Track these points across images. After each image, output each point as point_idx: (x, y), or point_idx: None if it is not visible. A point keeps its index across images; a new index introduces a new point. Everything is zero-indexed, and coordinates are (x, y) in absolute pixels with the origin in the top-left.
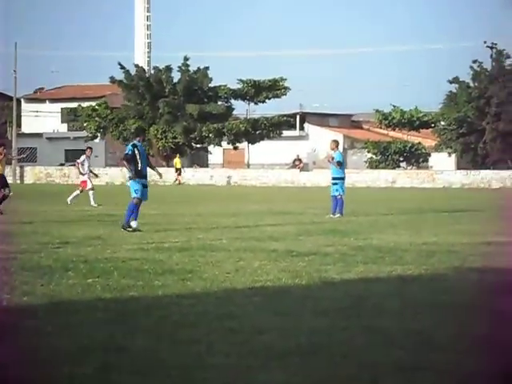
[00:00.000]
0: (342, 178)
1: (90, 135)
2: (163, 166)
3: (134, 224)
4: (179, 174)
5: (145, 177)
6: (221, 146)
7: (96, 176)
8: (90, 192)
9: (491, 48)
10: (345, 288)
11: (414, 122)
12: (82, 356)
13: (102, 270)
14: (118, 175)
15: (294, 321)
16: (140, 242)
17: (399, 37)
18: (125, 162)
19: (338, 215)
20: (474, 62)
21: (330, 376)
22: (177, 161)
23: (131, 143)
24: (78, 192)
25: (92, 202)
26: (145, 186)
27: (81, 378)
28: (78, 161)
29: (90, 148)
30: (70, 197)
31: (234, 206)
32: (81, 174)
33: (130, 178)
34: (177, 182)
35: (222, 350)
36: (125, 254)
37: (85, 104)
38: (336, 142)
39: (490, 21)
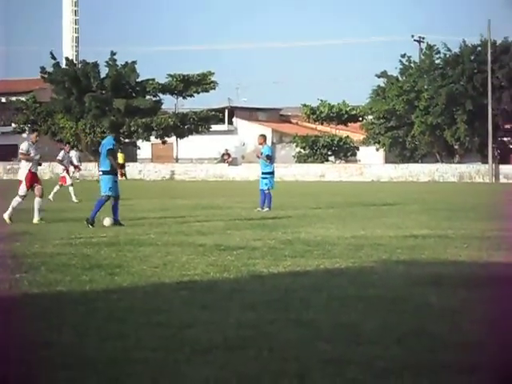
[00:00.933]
0: (271, 173)
1: (18, 129)
2: (91, 161)
3: (106, 222)
4: (122, 169)
5: (116, 173)
6: (149, 140)
7: (79, 169)
8: (70, 188)
9: (419, 42)
10: (272, 281)
11: (342, 116)
12: (9, 352)
13: (30, 265)
14: (47, 170)
15: (222, 315)
16: (68, 237)
17: (327, 31)
18: (110, 157)
19: (267, 209)
20: (403, 56)
21: (256, 370)
22: (120, 155)
23: (111, 137)
24: (57, 187)
25: (73, 198)
26: (116, 182)
27: (7, 375)
28: (58, 158)
29: (68, 143)
30: (52, 193)
31: (163, 201)
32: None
33: (104, 173)
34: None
35: (149, 344)
36: (53, 249)
37: (13, 98)
38: (264, 137)
39: (419, 15)
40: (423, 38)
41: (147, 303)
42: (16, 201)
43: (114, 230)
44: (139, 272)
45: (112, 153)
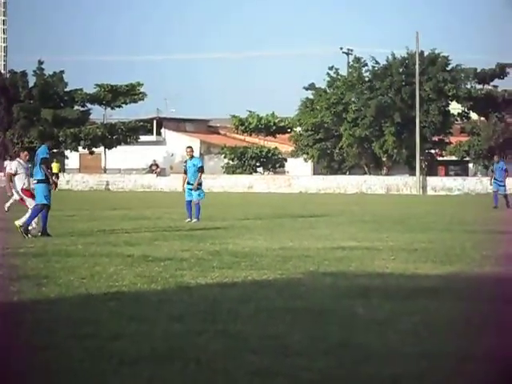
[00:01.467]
0: (200, 184)
1: None
2: None
3: (35, 231)
4: (57, 179)
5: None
6: (77, 150)
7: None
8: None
9: (347, 54)
10: (200, 293)
11: (271, 128)
12: None
13: None
14: None
15: (149, 326)
16: None
17: (255, 42)
18: (43, 166)
19: (195, 220)
20: (331, 68)
21: (183, 382)
22: (54, 165)
23: (45, 146)
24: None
25: (6, 206)
26: (49, 191)
27: None
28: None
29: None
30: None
31: (90, 211)
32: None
33: (39, 182)
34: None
35: (77, 355)
36: None
37: None
38: (191, 149)
39: (347, 27)
40: (352, 51)
41: (75, 314)
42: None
43: (41, 241)
44: (66, 283)
45: (46, 162)
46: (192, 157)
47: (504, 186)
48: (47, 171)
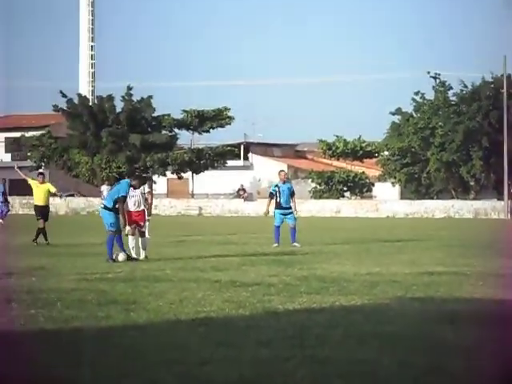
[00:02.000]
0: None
1: (34, 165)
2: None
3: (120, 257)
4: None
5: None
6: (165, 175)
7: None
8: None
9: (434, 78)
10: (288, 318)
11: (358, 152)
12: None
13: (46, 301)
14: (62, 205)
15: (237, 351)
16: (84, 272)
17: (342, 66)
18: (119, 204)
19: (297, 244)
20: (416, 93)
21: None
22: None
23: (127, 182)
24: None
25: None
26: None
27: None
28: None
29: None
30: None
31: (178, 236)
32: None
33: (106, 209)
34: None
35: (166, 381)
36: (68, 285)
37: (28, 133)
38: (285, 172)
39: (433, 51)
40: (439, 74)
41: (163, 339)
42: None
43: (129, 266)
44: (155, 308)
45: (122, 200)
46: (285, 181)
47: None
48: (121, 209)
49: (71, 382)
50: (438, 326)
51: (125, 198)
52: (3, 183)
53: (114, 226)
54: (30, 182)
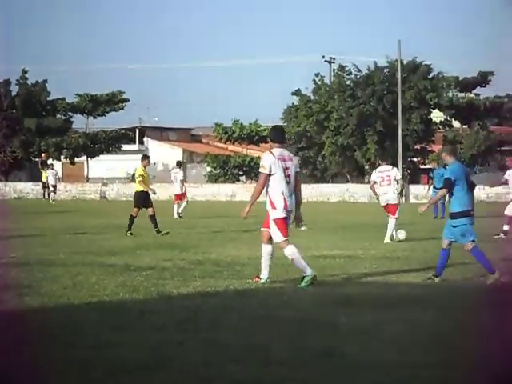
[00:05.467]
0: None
1: None
2: (1, 181)
3: None
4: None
5: None
6: (60, 160)
7: None
8: None
9: (330, 63)
10: (182, 302)
11: (254, 137)
12: None
13: None
14: None
15: (132, 335)
16: None
17: (242, 50)
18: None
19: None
20: (317, 75)
21: None
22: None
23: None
24: None
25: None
26: None
27: None
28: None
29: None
30: None
31: (75, 220)
32: None
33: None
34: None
35: (60, 366)
36: None
37: None
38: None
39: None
40: (334, 59)
41: (57, 324)
42: None
43: (23, 250)
44: (49, 292)
45: None
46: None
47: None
48: None
49: None
50: (332, 309)
51: None
52: None
53: None
54: None
